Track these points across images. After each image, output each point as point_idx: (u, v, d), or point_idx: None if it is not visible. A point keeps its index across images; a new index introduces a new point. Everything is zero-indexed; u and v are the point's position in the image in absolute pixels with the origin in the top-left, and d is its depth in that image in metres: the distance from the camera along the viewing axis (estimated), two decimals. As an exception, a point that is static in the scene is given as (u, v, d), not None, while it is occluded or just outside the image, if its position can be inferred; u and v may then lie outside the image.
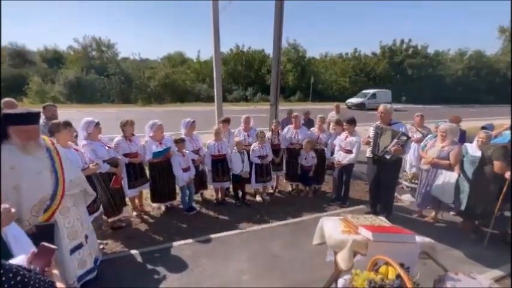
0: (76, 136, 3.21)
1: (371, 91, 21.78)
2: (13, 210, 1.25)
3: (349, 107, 21.08)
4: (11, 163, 1.84)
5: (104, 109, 16.82)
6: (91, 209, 2.78)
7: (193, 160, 4.04)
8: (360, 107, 20.67)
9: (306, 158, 4.54)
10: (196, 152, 4.19)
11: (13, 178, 1.85)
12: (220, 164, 4.23)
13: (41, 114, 3.66)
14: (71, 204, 2.25)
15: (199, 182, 4.31)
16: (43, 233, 1.93)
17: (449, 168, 3.53)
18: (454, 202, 3.61)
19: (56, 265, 1.27)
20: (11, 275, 0.91)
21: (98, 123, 3.13)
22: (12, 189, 1.86)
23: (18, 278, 0.92)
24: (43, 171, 2.00)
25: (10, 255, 1.59)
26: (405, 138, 3.40)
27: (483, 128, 4.20)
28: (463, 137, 4.58)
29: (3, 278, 0.89)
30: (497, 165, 3.17)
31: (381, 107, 3.70)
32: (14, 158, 1.85)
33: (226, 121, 4.75)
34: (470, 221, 3.64)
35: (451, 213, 3.99)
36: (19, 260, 1.11)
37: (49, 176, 2.03)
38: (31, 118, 1.91)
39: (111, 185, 3.24)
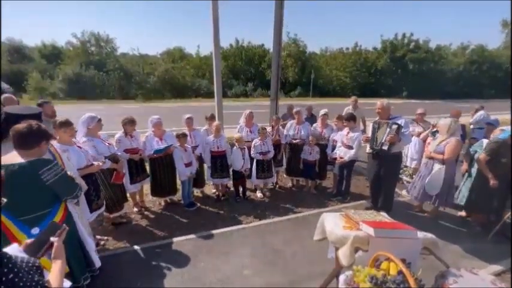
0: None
1: None
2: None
3: None
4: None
5: (113, 104, 16.77)
6: (95, 206, 2.79)
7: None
8: None
9: (310, 153, 4.53)
10: (193, 148, 4.13)
11: None
12: (219, 160, 4.21)
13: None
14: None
15: (195, 179, 4.25)
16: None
17: (443, 161, 3.52)
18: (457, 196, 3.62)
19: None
20: (5, 260, 0.93)
21: (99, 119, 3.11)
22: None
23: (10, 265, 0.93)
24: None
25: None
26: (396, 126, 3.39)
27: (488, 123, 4.17)
28: (463, 132, 4.56)
29: None
30: (480, 156, 3.32)
31: (378, 103, 3.67)
32: None
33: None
34: (483, 215, 3.62)
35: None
36: (13, 247, 1.11)
37: None
38: (34, 118, 1.92)
39: (112, 181, 3.24)
